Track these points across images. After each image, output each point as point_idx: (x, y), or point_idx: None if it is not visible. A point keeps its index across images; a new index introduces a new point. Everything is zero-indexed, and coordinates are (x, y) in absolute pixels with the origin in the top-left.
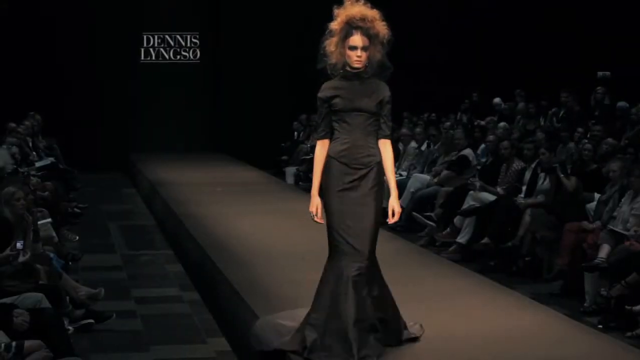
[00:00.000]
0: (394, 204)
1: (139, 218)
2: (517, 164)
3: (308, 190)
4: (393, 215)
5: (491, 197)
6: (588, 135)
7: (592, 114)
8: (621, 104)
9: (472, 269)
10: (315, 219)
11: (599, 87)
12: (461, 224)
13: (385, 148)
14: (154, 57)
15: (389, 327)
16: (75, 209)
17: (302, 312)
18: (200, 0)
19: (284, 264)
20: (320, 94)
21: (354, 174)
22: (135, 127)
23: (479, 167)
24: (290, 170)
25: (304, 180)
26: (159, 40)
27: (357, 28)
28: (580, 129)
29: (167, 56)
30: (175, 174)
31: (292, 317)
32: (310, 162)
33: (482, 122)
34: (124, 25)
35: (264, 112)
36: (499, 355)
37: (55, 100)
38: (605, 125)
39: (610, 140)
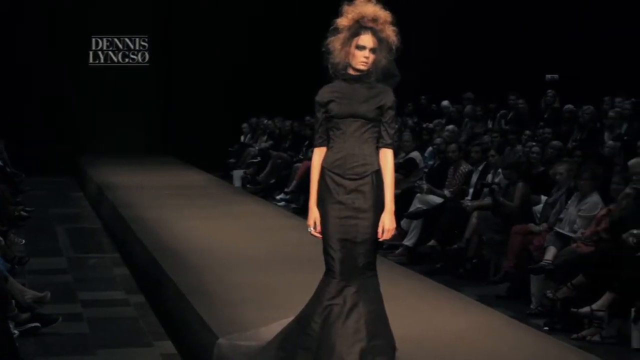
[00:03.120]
0: (386, 220)
1: (86, 221)
2: (465, 167)
3: (255, 193)
4: (384, 232)
5: (438, 200)
6: (535, 138)
7: (541, 116)
8: (569, 106)
9: (418, 271)
10: (314, 232)
11: (549, 90)
12: (408, 227)
13: (386, 158)
14: (102, 60)
15: (382, 346)
16: (22, 212)
17: (268, 332)
18: (149, 3)
19: (230, 267)
20: (317, 98)
21: (350, 186)
22: (84, 131)
23: (426, 170)
24: (238, 174)
25: (251, 183)
26: (108, 43)
27: (367, 28)
28: (527, 132)
29: (115, 59)
30: (123, 177)
31: (257, 338)
32: (258, 164)
33: (430, 125)
34: (73, 28)
35: (212, 115)
36: (445, 358)
37: (3, 104)
38: (553, 128)
39: (556, 143)
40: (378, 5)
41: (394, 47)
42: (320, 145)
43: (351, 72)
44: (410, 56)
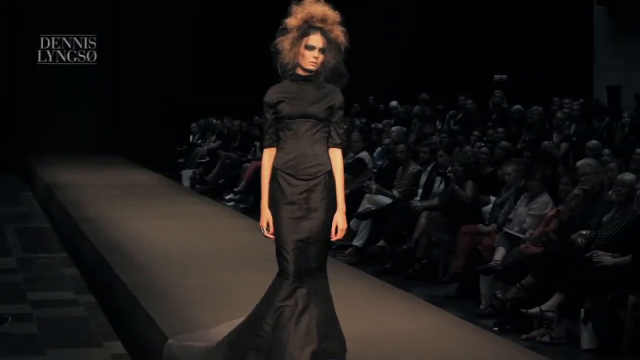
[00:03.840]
0: (339, 220)
1: (35, 221)
2: (413, 167)
3: (204, 193)
4: (337, 232)
5: (387, 200)
6: (484, 139)
7: (489, 117)
8: (517, 107)
9: (368, 271)
10: (266, 234)
11: (497, 91)
12: (357, 227)
13: (336, 157)
14: (51, 59)
15: (337, 348)
16: None
17: (218, 333)
18: (97, 2)
19: (179, 267)
20: (266, 99)
21: (302, 186)
22: (33, 130)
23: (375, 170)
24: (187, 173)
25: (200, 183)
26: (56, 42)
27: (317, 28)
28: (476, 132)
29: (64, 58)
30: (72, 177)
31: (207, 338)
32: (207, 165)
33: (379, 125)
34: (21, 27)
35: (161, 114)
36: (394, 358)
37: None
38: (502, 128)
39: (504, 143)
40: (327, 5)
41: (342, 48)
42: (270, 146)
43: (300, 72)
44: (360, 56)
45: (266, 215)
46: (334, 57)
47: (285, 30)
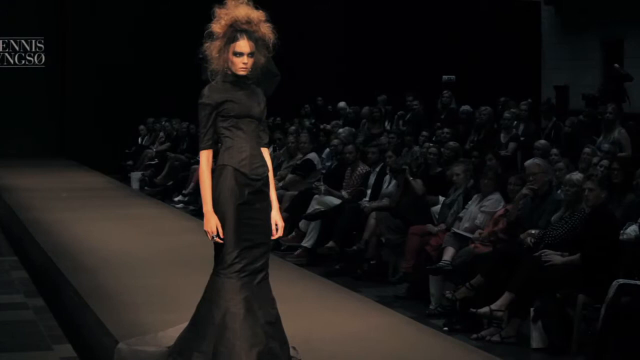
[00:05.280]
0: (277, 218)
1: None
2: (362, 168)
3: (153, 195)
4: (277, 229)
5: (336, 201)
6: (433, 139)
7: (438, 117)
8: (465, 107)
9: (317, 272)
10: (217, 239)
11: (445, 91)
12: (306, 228)
13: (267, 157)
14: None
15: (281, 348)
16: None
17: (167, 337)
18: (45, 4)
19: (128, 270)
20: (207, 100)
21: (253, 186)
22: None
23: (323, 171)
24: (136, 176)
25: (149, 186)
26: (4, 45)
27: (242, 32)
28: (425, 133)
29: (12, 61)
30: (21, 180)
31: (156, 342)
32: (155, 167)
33: (328, 126)
34: None
35: (109, 117)
36: (343, 359)
37: None
38: (450, 129)
39: (452, 144)
40: (249, 5)
41: (271, 44)
42: (210, 147)
43: (230, 72)
44: (309, 58)
45: (214, 219)
46: (264, 55)
47: (211, 36)
